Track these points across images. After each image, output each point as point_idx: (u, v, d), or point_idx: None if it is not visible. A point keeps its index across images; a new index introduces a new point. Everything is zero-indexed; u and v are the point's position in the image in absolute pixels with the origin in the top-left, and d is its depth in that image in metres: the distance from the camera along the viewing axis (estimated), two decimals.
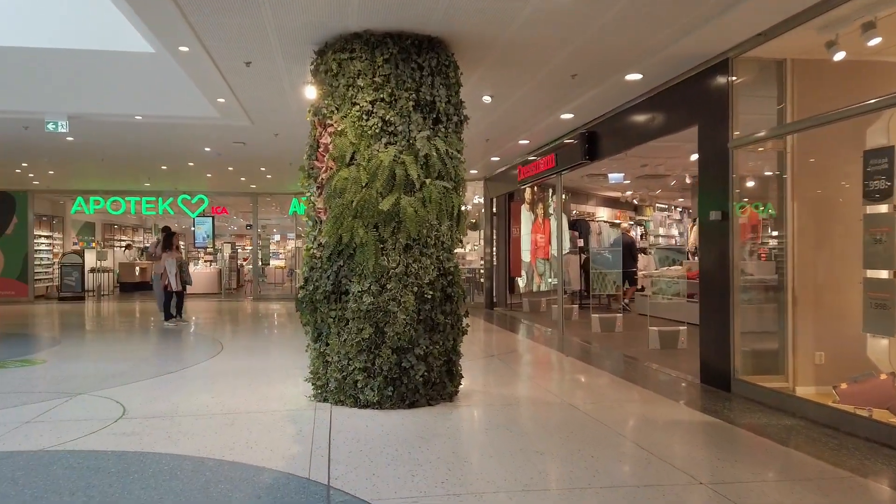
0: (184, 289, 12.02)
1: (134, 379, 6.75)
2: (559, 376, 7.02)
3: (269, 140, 10.74)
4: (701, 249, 6.50)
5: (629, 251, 13.02)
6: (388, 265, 5.33)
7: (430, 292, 5.43)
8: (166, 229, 12.00)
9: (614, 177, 14.29)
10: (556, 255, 15.18)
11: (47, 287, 20.01)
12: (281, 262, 28.13)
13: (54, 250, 20.90)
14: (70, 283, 18.56)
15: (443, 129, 5.63)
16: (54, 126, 8.66)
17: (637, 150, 8.68)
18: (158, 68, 7.43)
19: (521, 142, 10.70)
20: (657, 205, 21.41)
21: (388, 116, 5.41)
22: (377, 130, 5.41)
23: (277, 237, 36.40)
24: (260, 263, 21.11)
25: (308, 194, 5.86)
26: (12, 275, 18.05)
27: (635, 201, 20.44)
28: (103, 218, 25.56)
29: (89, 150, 11.62)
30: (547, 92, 7.52)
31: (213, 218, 21.08)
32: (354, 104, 5.46)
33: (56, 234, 21.34)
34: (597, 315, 10.65)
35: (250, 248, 37.39)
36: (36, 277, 19.05)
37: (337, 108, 5.56)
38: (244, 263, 28.05)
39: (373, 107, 5.43)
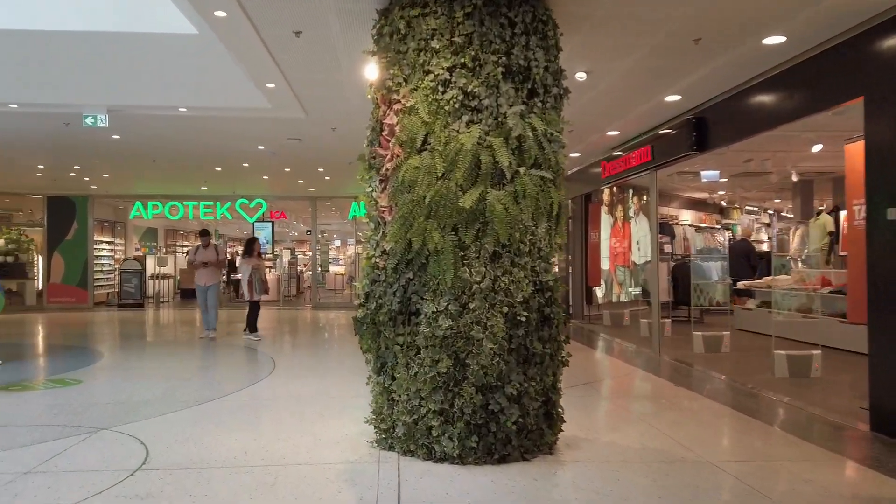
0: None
1: (168, 407, 5.78)
2: (677, 416, 5.66)
3: (326, 135, 9.74)
4: (872, 257, 5.02)
5: (747, 259, 11.40)
6: (470, 278, 4.14)
7: (525, 313, 4.21)
8: (252, 240, 11.10)
9: (708, 174, 12.69)
10: (636, 262, 13.72)
11: (108, 294, 19.79)
12: (341, 269, 27.43)
13: (116, 256, 20.71)
14: (129, 289, 18.21)
15: (539, 104, 4.39)
16: (93, 120, 7.88)
17: (754, 141, 7.23)
18: (202, 52, 6.49)
19: (609, 133, 9.34)
20: (746, 207, 19.51)
21: (470, 87, 4.22)
22: (456, 105, 4.23)
23: (338, 243, 35.90)
24: (319, 270, 20.33)
25: (369, 189, 4.73)
26: (72, 281, 17.81)
27: (723, 203, 18.66)
28: (165, 223, 25.45)
29: (137, 150, 10.93)
30: (657, 64, 6.18)
31: (273, 223, 20.44)
32: (427, 72, 4.29)
33: (118, 240, 21.17)
34: (700, 332, 9.16)
35: (310, 254, 37.21)
36: (96, 284, 18.80)
37: (405, 80, 4.40)
38: (304, 270, 27.51)
39: (451, 75, 4.25)
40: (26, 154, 11.25)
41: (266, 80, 6.75)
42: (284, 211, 19.42)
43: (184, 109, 8.10)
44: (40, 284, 18.02)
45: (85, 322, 14.37)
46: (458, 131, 4.21)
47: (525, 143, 4.23)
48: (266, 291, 10.91)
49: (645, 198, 15.14)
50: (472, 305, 4.13)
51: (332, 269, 27.08)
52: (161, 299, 19.51)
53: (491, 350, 4.09)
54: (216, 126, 9.15)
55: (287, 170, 13.33)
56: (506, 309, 4.16)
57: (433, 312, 4.18)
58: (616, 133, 9.38)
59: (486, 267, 4.17)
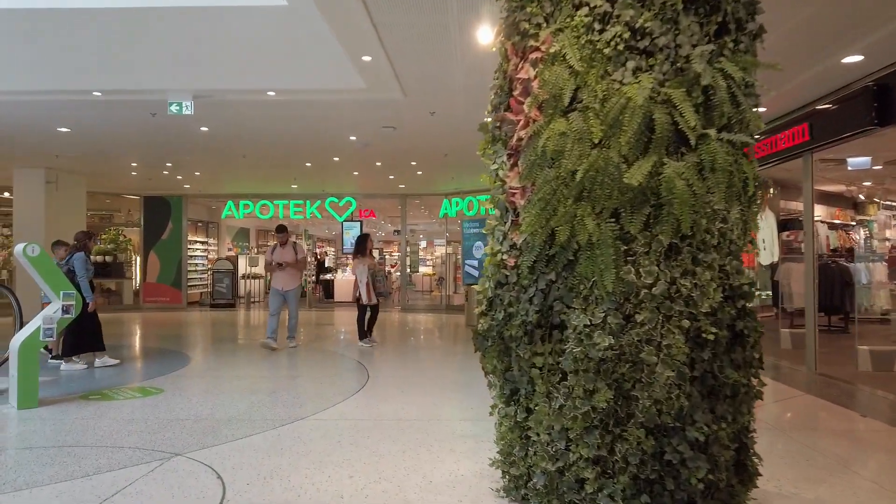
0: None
1: (252, 428, 4.99)
2: (889, 460, 4.33)
3: (424, 122, 8.86)
4: None
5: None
6: (637, 281, 3.05)
7: (713, 329, 3.07)
8: (364, 237, 9.99)
9: (857, 161, 10.93)
10: (762, 262, 12.06)
11: (201, 293, 19.88)
12: (429, 269, 26.72)
13: (209, 256, 20.83)
14: (221, 289, 18.14)
15: (731, 45, 3.24)
16: (178, 107, 7.31)
17: None
18: (292, 25, 5.72)
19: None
20: (885, 202, 17.19)
21: (639, 22, 3.13)
22: (619, 48, 3.14)
23: (423, 243, 35.34)
24: (409, 270, 19.61)
25: (493, 167, 3.72)
26: (167, 280, 17.90)
27: (860, 196, 16.50)
28: (257, 223, 25.58)
29: (226, 144, 10.45)
30: (850, 9, 4.85)
31: (361, 223, 19.92)
32: (579, 5, 3.24)
33: (211, 240, 21.30)
34: (866, 347, 7.61)
35: (396, 254, 36.77)
36: (190, 284, 18.88)
37: (547, 19, 3.37)
38: (392, 270, 27.01)
39: (612, 6, 3.18)
40: (118, 148, 11.03)
41: (363, 52, 5.90)
42: (373, 209, 18.81)
43: (272, 93, 7.40)
44: (137, 284, 18.24)
45: (177, 322, 14.21)
46: (620, 82, 3.13)
47: (715, 97, 3.09)
48: (388, 293, 10.11)
49: (772, 190, 13.44)
50: (639, 318, 3.03)
51: (421, 269, 26.45)
52: (252, 299, 19.40)
53: (668, 379, 2.98)
54: (306, 113, 8.44)
55: (378, 164, 12.60)
56: (686, 323, 3.03)
57: (585, 326, 3.11)
58: (763, 109, 7.96)
59: (659, 266, 3.07)
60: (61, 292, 5.98)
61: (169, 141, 10.35)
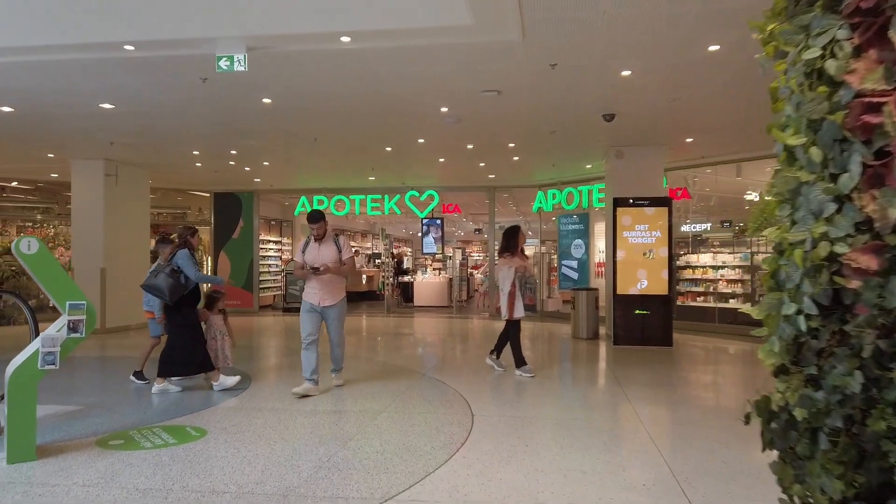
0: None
1: None
2: None
3: (538, 81, 6.92)
4: None
5: None
6: None
7: None
8: (514, 229, 7.56)
9: None
10: None
11: (274, 296, 18.66)
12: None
13: (283, 256, 19.62)
14: (294, 292, 16.77)
15: None
16: (229, 63, 5.67)
17: None
18: None
19: None
20: None
21: None
22: None
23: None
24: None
25: (811, 55, 1.72)
26: (238, 282, 16.71)
27: None
28: (333, 221, 24.26)
29: (294, 120, 8.84)
30: None
31: (442, 220, 18.15)
32: None
33: (285, 239, 20.09)
34: None
35: (477, 254, 34.94)
36: (262, 286, 17.66)
37: None
38: (474, 272, 25.17)
39: None
40: (171, 130, 9.63)
41: None
42: (458, 204, 17.00)
43: (346, 39, 5.64)
44: (207, 286, 17.10)
45: (245, 330, 12.83)
46: None
47: None
48: (532, 304, 7.54)
49: None
50: None
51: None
52: None
53: None
54: (388, 70, 6.66)
55: (469, 147, 10.73)
56: None
57: None
58: None
59: None
60: (67, 303, 4.39)
61: (229, 119, 8.85)
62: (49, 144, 10.48)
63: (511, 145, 10.57)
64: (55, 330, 4.38)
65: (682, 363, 8.65)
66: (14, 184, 15.22)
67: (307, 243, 6.51)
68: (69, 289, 4.45)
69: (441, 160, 12.13)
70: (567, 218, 14.61)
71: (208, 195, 16.96)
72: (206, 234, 17.27)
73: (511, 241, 7.44)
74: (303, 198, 16.27)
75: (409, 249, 32.86)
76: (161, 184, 15.70)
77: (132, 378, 7.04)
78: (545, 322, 14.24)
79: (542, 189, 15.08)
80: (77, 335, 4.41)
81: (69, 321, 4.38)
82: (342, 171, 13.81)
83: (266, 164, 12.55)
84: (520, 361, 7.33)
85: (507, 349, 7.59)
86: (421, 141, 10.23)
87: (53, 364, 4.30)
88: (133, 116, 8.62)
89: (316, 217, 6.44)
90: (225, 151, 11.19)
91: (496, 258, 16.79)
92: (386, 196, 16.00)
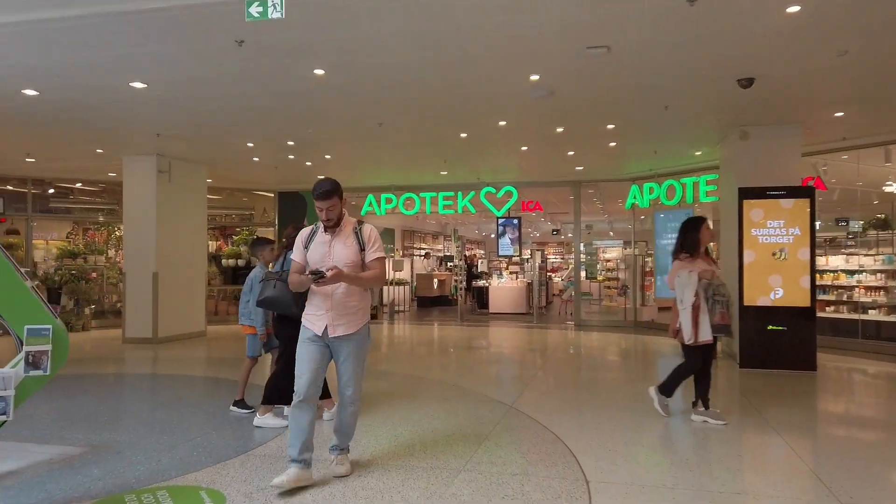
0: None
1: None
2: None
3: (662, 29, 5.30)
4: None
5: None
6: None
7: None
8: (695, 221, 5.51)
9: None
10: None
11: None
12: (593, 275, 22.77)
13: None
14: None
15: None
16: (261, 8, 4.34)
17: None
18: None
19: None
20: None
21: None
22: None
23: (598, 242, 31.26)
24: (586, 277, 15.98)
25: None
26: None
27: None
28: (403, 222, 23.16)
29: (353, 98, 7.50)
30: None
31: (520, 219, 16.56)
32: None
33: None
34: None
35: (553, 256, 33.00)
36: None
37: None
38: (553, 276, 23.42)
39: None
40: (220, 115, 8.49)
41: None
42: (539, 202, 15.36)
43: None
44: None
45: None
46: None
47: None
48: (725, 324, 5.28)
49: None
50: None
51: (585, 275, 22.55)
52: (396, 308, 16.69)
53: None
54: (469, 23, 5.19)
55: (559, 130, 9.12)
56: None
57: None
58: None
59: None
60: (25, 328, 3.14)
61: (279, 101, 7.62)
62: (92, 138, 9.59)
63: (610, 127, 8.89)
64: (10, 366, 3.13)
65: (843, 397, 6.78)
66: (79, 185, 14.70)
67: (312, 234, 4.11)
68: (28, 308, 3.19)
69: (523, 149, 10.55)
70: (667, 215, 12.76)
71: (272, 195, 16.02)
72: (270, 235, 16.33)
73: (691, 237, 5.44)
74: (369, 196, 15.05)
75: (482, 252, 31.36)
76: (223, 183, 14.84)
77: (233, 408, 5.82)
78: (640, 334, 12.42)
79: (636, 182, 13.26)
80: (39, 372, 3.15)
81: (27, 353, 3.12)
82: (411, 165, 12.47)
83: (328, 157, 11.34)
84: (704, 403, 5.46)
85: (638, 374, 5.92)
86: (502, 123, 8.70)
87: (4, 414, 3.05)
88: (171, 100, 7.52)
89: (326, 190, 3.96)
90: (281, 142, 10.02)
91: (582, 260, 15.10)
92: (459, 193, 14.55)
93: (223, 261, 15.59)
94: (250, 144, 10.11)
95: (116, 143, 10.01)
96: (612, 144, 10.05)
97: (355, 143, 10.14)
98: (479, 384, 7.13)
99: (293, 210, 15.77)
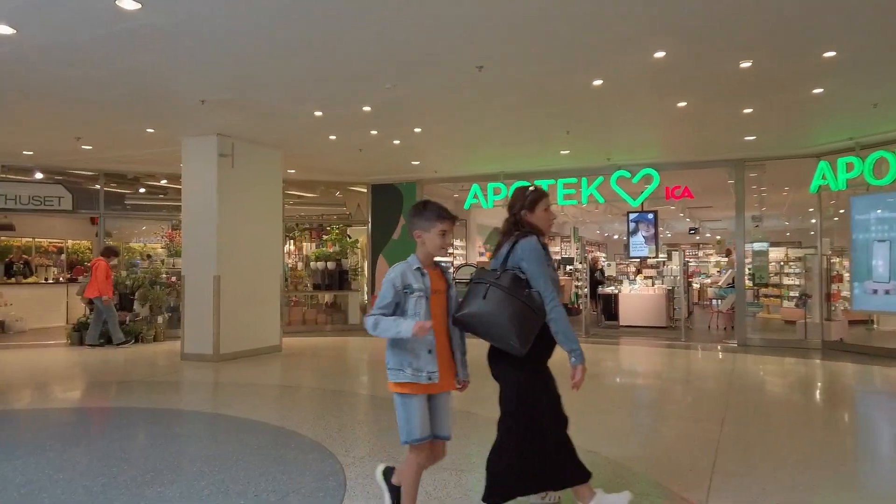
0: None
1: None
2: None
3: None
4: None
5: None
6: None
7: None
8: None
9: None
10: None
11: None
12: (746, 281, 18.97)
13: (455, 262, 16.23)
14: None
15: None
16: None
17: None
18: None
19: None
20: None
21: None
22: None
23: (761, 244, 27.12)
24: (753, 283, 12.67)
25: None
26: None
27: None
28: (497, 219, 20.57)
29: (439, 28, 5.05)
30: None
31: (656, 213, 13.49)
32: None
33: (457, 241, 16.70)
34: None
35: (691, 261, 29.03)
36: None
37: None
38: (691, 282, 19.89)
39: None
40: (263, 64, 6.49)
41: None
42: (687, 188, 12.24)
43: None
44: (365, 297, 14.19)
45: None
46: None
47: None
48: None
49: None
50: None
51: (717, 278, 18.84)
52: None
53: None
54: None
55: (745, 65, 6.22)
56: None
57: None
58: None
59: None
60: None
61: (334, 42, 5.36)
62: (131, 110, 7.85)
63: (828, 55, 5.87)
64: None
65: None
66: (163, 181, 13.41)
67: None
68: None
69: (680, 105, 7.66)
70: (869, 200, 9.41)
71: (365, 190, 14.03)
72: (362, 234, 14.37)
73: None
74: (474, 186, 12.63)
75: (602, 254, 28.14)
76: (307, 173, 13.00)
77: None
78: (834, 359, 9.09)
79: (824, 158, 9.95)
80: None
81: None
82: (525, 143, 9.91)
83: (417, 130, 9.01)
84: None
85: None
86: (659, 55, 5.93)
87: None
88: (204, 45, 5.48)
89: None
90: (355, 109, 7.79)
91: (746, 266, 11.84)
92: (584, 179, 11.80)
93: (311, 263, 13.77)
94: (318, 113, 7.97)
95: (164, 117, 8.25)
96: (818, 92, 6.95)
97: (449, 106, 7.74)
98: (638, 458, 4.44)
99: (388, 205, 13.69)
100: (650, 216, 13.30)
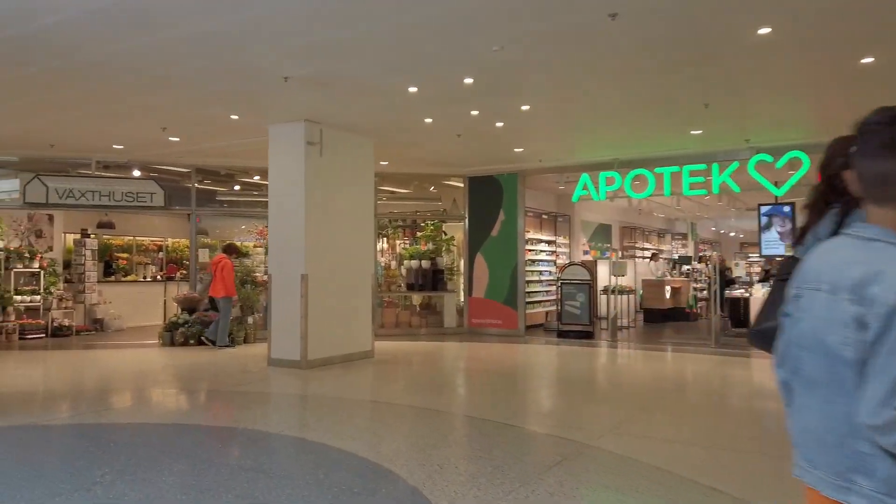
0: None
1: None
2: None
3: None
4: None
5: None
6: None
7: None
8: None
9: None
10: None
11: (546, 314, 14.03)
12: None
13: (557, 262, 14.94)
14: (573, 309, 11.91)
15: None
16: None
17: None
18: None
19: None
20: None
21: None
22: None
23: None
24: None
25: None
26: (498, 296, 12.39)
27: None
28: (622, 218, 19.01)
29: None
30: None
31: (793, 206, 11.63)
32: None
33: (560, 239, 15.38)
34: None
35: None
36: (530, 300, 13.15)
37: None
38: None
39: None
40: (348, 41, 5.45)
41: None
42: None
43: None
44: (461, 299, 13.18)
45: (494, 371, 8.31)
46: None
47: None
48: None
49: None
50: None
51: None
52: (621, 323, 12.66)
53: None
54: None
55: None
56: None
57: None
58: None
59: None
60: None
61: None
62: (213, 90, 7.16)
63: None
64: None
65: None
66: (256, 178, 12.95)
67: None
68: None
69: (865, 60, 6.08)
70: None
71: (461, 185, 13.01)
72: (458, 231, 13.37)
73: None
74: (584, 176, 11.30)
75: (716, 254, 25.83)
76: (401, 165, 12.12)
77: None
78: None
79: None
80: None
81: None
82: (650, 121, 8.54)
83: (525, 108, 7.84)
84: None
85: None
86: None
87: None
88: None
89: None
90: (454, 82, 6.73)
91: None
92: (714, 166, 10.22)
93: (404, 262, 12.91)
94: (412, 89, 6.97)
95: (247, 99, 7.54)
96: None
97: (565, 73, 6.53)
98: None
99: (487, 199, 12.60)
100: (786, 209, 11.47)
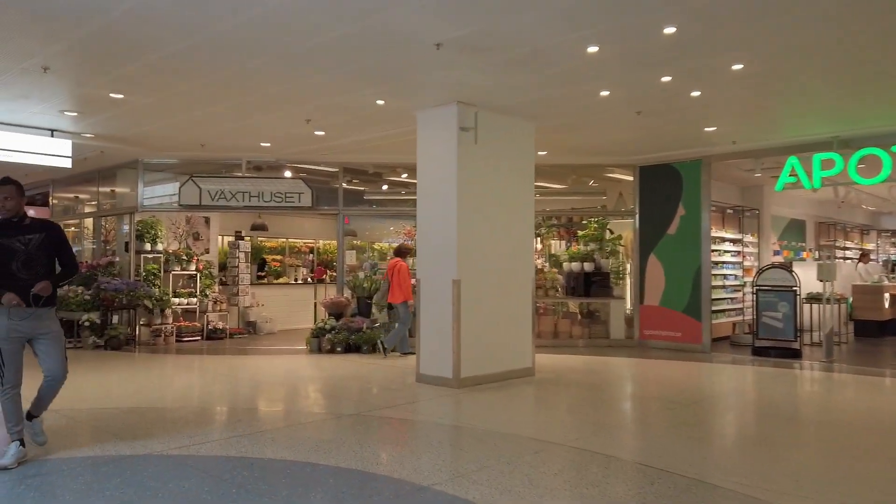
0: None
1: None
2: None
3: None
4: None
5: None
6: None
7: None
8: None
9: None
10: None
11: (734, 325, 11.94)
12: None
13: (745, 264, 12.75)
14: (773, 322, 9.83)
15: None
16: None
17: None
18: None
19: None
20: None
21: None
22: None
23: None
24: None
25: None
26: (677, 304, 10.58)
27: None
28: (817, 212, 16.17)
29: None
30: None
31: None
32: None
33: (747, 237, 13.13)
34: None
35: None
36: (716, 308, 11.17)
37: None
38: None
39: None
40: None
41: None
42: None
43: None
44: (629, 306, 11.50)
45: (691, 398, 6.63)
46: None
47: None
48: None
49: None
50: None
51: None
52: (839, 340, 10.28)
53: None
54: None
55: None
56: None
57: None
58: None
59: None
60: None
61: None
62: (356, 67, 6.23)
63: None
64: None
65: None
66: (404, 176, 12.19)
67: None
68: None
69: None
70: None
71: (630, 177, 11.33)
72: (625, 229, 11.70)
73: None
74: (791, 160, 9.21)
75: None
76: (561, 156, 10.71)
77: None
78: None
79: None
80: None
81: None
82: (882, 81, 6.47)
83: (737, 67, 6.10)
84: None
85: None
86: None
87: None
88: None
89: None
90: (651, 32, 5.25)
91: None
92: None
93: (564, 264, 11.47)
94: (592, 49, 5.56)
95: (394, 77, 6.55)
96: None
97: (795, 15, 4.82)
98: None
99: (663, 191, 10.84)
100: None
